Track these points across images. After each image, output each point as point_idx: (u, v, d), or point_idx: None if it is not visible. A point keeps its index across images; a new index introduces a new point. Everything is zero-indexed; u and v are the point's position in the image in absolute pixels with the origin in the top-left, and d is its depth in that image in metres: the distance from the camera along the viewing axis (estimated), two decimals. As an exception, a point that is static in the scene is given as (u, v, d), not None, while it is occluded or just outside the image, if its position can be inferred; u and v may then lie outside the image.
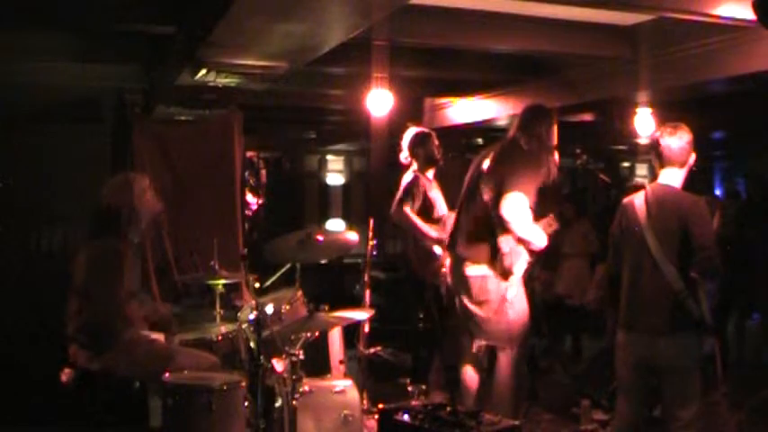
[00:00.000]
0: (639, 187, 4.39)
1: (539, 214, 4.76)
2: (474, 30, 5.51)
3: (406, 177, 6.00)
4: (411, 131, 6.15)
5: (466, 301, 4.85)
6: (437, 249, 5.83)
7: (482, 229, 4.74)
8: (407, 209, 5.85)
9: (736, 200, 8.74)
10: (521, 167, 4.68)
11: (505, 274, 4.70)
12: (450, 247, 5.02)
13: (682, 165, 4.01)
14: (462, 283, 4.86)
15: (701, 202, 3.96)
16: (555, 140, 4.88)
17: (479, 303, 4.78)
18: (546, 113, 4.96)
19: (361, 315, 4.70)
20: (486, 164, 4.83)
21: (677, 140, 3.99)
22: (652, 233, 3.93)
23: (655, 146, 4.04)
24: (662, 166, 4.03)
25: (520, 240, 4.67)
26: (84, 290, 4.14)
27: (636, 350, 4.04)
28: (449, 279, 5.10)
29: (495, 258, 4.71)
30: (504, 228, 4.63)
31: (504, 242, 4.68)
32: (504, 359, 4.79)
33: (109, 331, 4.11)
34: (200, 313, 5.06)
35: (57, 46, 5.93)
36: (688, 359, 3.91)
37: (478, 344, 4.86)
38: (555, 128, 4.91)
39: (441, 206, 6.01)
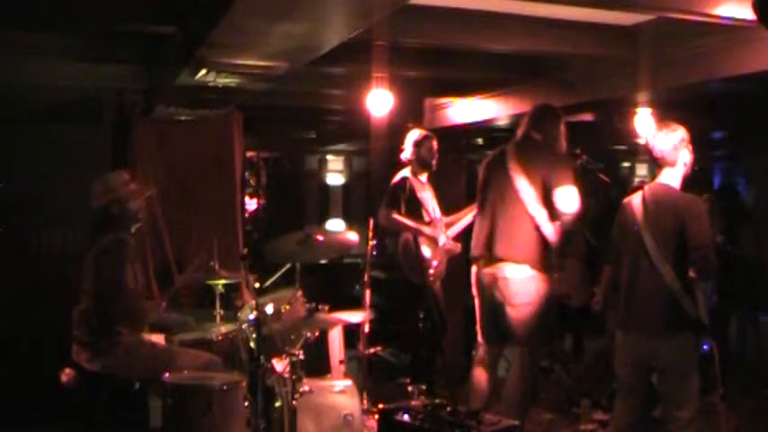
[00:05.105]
0: (639, 187, 4.40)
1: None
2: (474, 30, 5.49)
3: (396, 178, 5.99)
4: (415, 132, 6.16)
5: (500, 303, 4.75)
6: (426, 250, 5.76)
7: (523, 227, 4.68)
8: (395, 215, 5.79)
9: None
10: (558, 162, 4.69)
11: (554, 269, 4.69)
12: (487, 249, 4.84)
13: (674, 164, 4.01)
14: (497, 285, 4.75)
15: (698, 202, 3.97)
16: (564, 140, 4.88)
17: (516, 306, 4.68)
18: (555, 113, 4.97)
19: (359, 317, 4.70)
20: (511, 164, 4.76)
21: (665, 140, 4.01)
22: (649, 233, 3.93)
23: (648, 147, 4.07)
24: (659, 167, 4.05)
25: (561, 234, 4.65)
26: (92, 285, 4.16)
27: (634, 350, 4.04)
28: (473, 282, 5.00)
29: (544, 256, 4.66)
30: (550, 222, 4.60)
31: (552, 238, 4.65)
32: (520, 360, 4.74)
33: (111, 328, 4.12)
34: (200, 313, 5.07)
35: (57, 46, 5.92)
36: (685, 359, 3.91)
37: (519, 348, 4.76)
38: (563, 127, 4.91)
39: (432, 209, 5.98)
